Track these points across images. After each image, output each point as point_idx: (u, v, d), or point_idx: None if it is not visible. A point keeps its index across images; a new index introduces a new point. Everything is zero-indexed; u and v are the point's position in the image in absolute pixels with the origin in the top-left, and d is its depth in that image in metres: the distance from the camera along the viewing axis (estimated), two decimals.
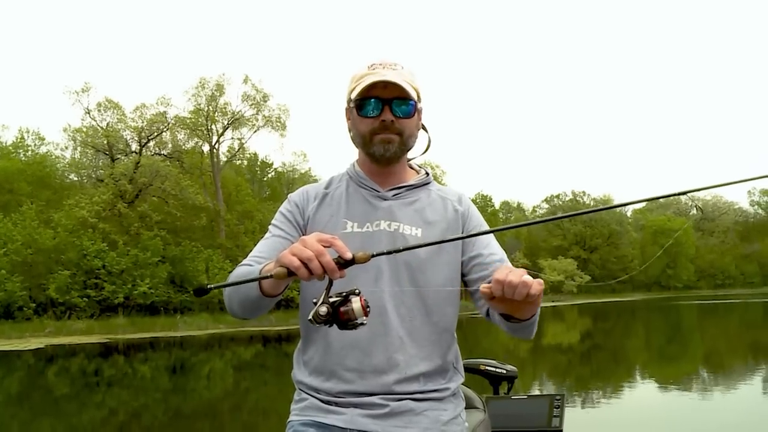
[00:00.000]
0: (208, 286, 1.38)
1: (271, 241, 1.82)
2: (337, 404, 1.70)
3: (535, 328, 1.72)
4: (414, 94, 1.77)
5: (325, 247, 1.40)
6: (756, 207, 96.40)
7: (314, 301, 1.42)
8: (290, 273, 1.39)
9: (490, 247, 1.83)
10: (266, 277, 1.41)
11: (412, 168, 1.96)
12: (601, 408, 9.18)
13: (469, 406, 2.03)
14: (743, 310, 38.78)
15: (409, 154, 1.92)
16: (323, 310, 1.39)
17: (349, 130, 1.88)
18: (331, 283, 1.42)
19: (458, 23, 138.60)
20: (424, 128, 1.92)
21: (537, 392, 9.48)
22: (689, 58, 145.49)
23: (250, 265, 1.73)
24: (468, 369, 2.91)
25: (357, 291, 1.42)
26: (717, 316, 35.23)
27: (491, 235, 1.82)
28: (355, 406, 1.68)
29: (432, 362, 1.76)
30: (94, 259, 32.55)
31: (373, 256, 1.43)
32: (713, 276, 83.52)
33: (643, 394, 10.68)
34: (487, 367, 3.03)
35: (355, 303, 1.40)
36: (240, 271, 1.71)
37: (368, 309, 1.41)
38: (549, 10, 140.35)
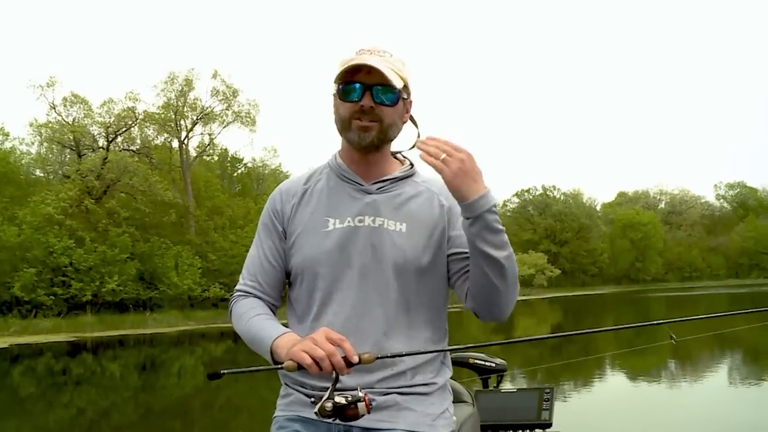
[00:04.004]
0: (222, 372, 1.52)
1: (258, 263, 1.84)
2: (323, 398, 1.66)
3: (510, 288, 1.68)
4: (398, 83, 1.71)
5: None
6: (722, 201, 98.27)
7: (315, 396, 1.54)
8: (300, 366, 1.52)
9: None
10: (278, 368, 1.56)
11: (396, 159, 1.90)
12: (582, 400, 9.23)
13: (458, 399, 1.99)
14: (709, 302, 39.42)
15: (396, 148, 1.87)
16: (329, 405, 1.50)
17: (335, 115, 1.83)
18: (337, 378, 1.52)
19: (432, 14, 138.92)
20: (413, 121, 1.86)
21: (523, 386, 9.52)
22: (658, 53, 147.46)
23: (246, 295, 1.83)
24: (457, 363, 2.89)
25: (360, 397, 1.51)
26: (684, 308, 35.76)
27: None
28: (343, 391, 1.64)
29: (419, 357, 1.72)
30: (61, 256, 32.02)
31: (377, 358, 1.55)
32: (681, 269, 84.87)
33: (620, 385, 10.79)
34: (476, 361, 3.00)
35: (362, 409, 1.51)
36: (246, 321, 1.77)
37: (371, 406, 1.52)
38: (525, 5, 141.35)
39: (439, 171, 1.58)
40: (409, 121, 1.85)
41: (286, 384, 1.80)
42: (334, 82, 1.75)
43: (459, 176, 1.58)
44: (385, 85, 1.70)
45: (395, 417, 1.66)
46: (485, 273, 1.65)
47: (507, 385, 3.22)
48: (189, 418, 9.86)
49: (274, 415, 1.78)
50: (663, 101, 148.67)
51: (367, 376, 1.65)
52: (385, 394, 1.67)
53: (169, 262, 36.02)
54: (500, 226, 1.63)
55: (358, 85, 1.70)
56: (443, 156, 1.58)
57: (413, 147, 1.89)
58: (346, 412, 1.50)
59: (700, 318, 1.91)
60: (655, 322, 1.84)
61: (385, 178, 1.81)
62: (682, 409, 8.32)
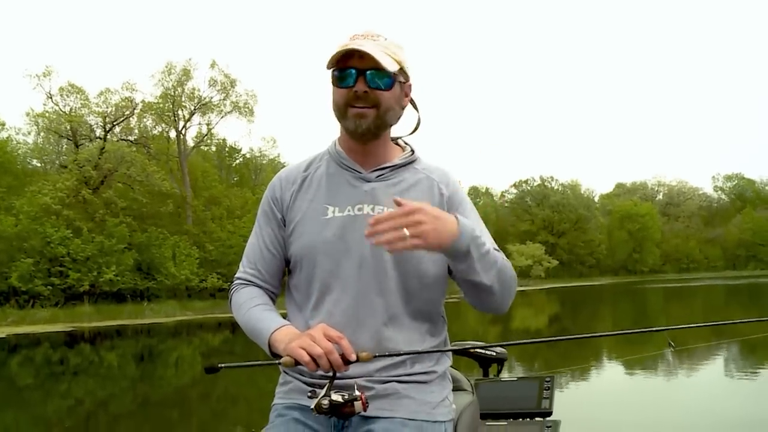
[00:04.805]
0: (219, 366, 1.53)
1: (258, 251, 1.84)
2: (321, 387, 1.64)
3: (506, 291, 1.66)
4: (393, 66, 1.68)
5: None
6: (719, 192, 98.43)
7: (313, 391, 1.55)
8: (298, 362, 1.52)
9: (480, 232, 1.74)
10: (276, 363, 1.57)
11: (398, 145, 1.88)
12: (581, 390, 9.24)
13: (457, 388, 1.98)
14: (706, 293, 39.50)
15: (397, 133, 1.84)
16: (326, 402, 1.51)
17: None
18: (335, 375, 1.53)
19: (432, 4, 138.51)
20: (413, 105, 1.84)
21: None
22: (657, 45, 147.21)
23: (246, 283, 1.83)
24: (457, 352, 2.88)
25: (357, 396, 1.53)
26: (681, 298, 35.85)
27: (478, 218, 1.79)
28: (340, 388, 1.63)
29: (419, 346, 1.72)
30: (58, 246, 31.96)
31: (375, 356, 1.57)
32: (678, 260, 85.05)
33: (619, 376, 10.80)
34: (476, 350, 2.99)
35: (358, 407, 1.53)
36: (245, 312, 1.76)
37: (368, 404, 1.54)
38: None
39: (417, 247, 1.49)
40: (409, 105, 1.83)
41: (284, 372, 1.79)
42: (328, 69, 1.73)
43: (433, 237, 1.49)
44: (379, 69, 1.67)
45: (395, 405, 1.65)
46: (478, 296, 1.67)
47: (507, 374, 3.19)
48: (187, 407, 9.86)
49: (273, 402, 1.78)
50: (661, 93, 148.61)
51: (366, 364, 1.64)
52: (384, 383, 1.66)
53: (167, 252, 35.98)
54: (485, 249, 1.59)
55: (351, 71, 1.68)
56: (405, 231, 1.47)
57: (414, 132, 1.88)
58: (343, 410, 1.51)
59: (701, 326, 1.91)
60: (655, 328, 1.83)
61: (384, 165, 1.79)
62: (679, 399, 8.35)
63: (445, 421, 1.71)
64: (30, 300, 30.98)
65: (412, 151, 1.86)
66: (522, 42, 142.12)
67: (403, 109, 1.79)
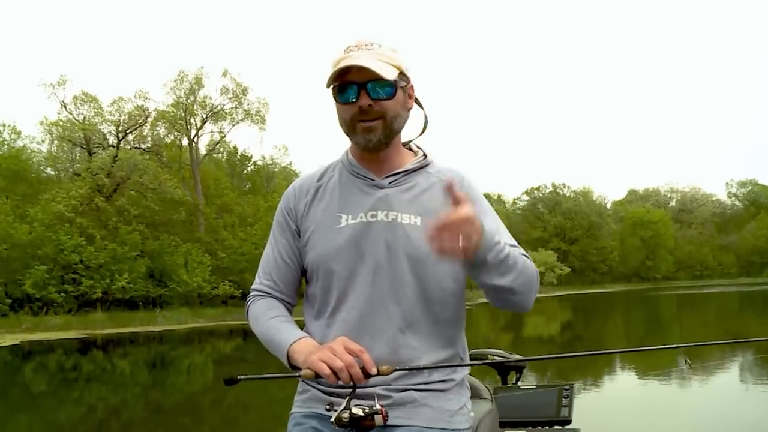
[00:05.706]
0: (239, 377, 1.53)
1: (273, 262, 1.83)
2: (339, 396, 1.64)
3: (527, 292, 1.63)
4: (392, 73, 1.66)
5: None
6: (733, 199, 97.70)
7: (331, 404, 1.57)
8: (318, 375, 1.51)
9: (497, 232, 1.66)
10: (296, 376, 1.57)
11: (410, 149, 1.86)
12: (598, 398, 9.18)
13: (476, 396, 1.96)
14: (720, 301, 39.21)
15: (407, 136, 1.83)
16: (346, 416, 1.50)
17: None
18: (355, 388, 1.52)
19: (441, 10, 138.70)
20: (419, 104, 1.82)
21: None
22: (669, 50, 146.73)
23: (263, 295, 1.83)
24: (475, 359, 2.86)
25: (378, 410, 1.52)
26: (695, 306, 35.60)
27: (497, 218, 1.77)
28: (358, 397, 1.61)
29: (436, 354, 1.70)
30: (72, 253, 32.12)
31: (395, 370, 1.55)
32: (691, 267, 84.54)
33: (633, 383, 10.75)
34: (495, 357, 2.97)
35: (378, 421, 1.52)
36: (263, 323, 1.76)
37: (387, 417, 1.53)
38: (534, 1, 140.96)
39: (458, 257, 1.46)
40: (415, 105, 1.80)
41: (303, 381, 1.78)
42: (327, 86, 1.71)
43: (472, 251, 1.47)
44: (378, 79, 1.65)
45: (413, 414, 1.64)
46: (498, 296, 1.63)
47: (524, 382, 3.16)
48: (199, 415, 9.85)
49: (291, 411, 1.77)
50: (674, 98, 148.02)
51: None
52: (402, 391, 1.65)
53: (179, 259, 36.07)
54: (503, 254, 1.55)
55: (351, 86, 1.67)
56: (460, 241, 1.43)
57: (422, 133, 1.86)
58: (363, 423, 1.51)
59: (718, 343, 1.94)
60: (673, 345, 1.84)
61: (397, 171, 1.78)
62: (695, 406, 8.31)
63: (463, 429, 1.69)
64: (43, 307, 31.13)
65: (425, 155, 1.84)
66: (535, 48, 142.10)
67: (409, 111, 1.77)
